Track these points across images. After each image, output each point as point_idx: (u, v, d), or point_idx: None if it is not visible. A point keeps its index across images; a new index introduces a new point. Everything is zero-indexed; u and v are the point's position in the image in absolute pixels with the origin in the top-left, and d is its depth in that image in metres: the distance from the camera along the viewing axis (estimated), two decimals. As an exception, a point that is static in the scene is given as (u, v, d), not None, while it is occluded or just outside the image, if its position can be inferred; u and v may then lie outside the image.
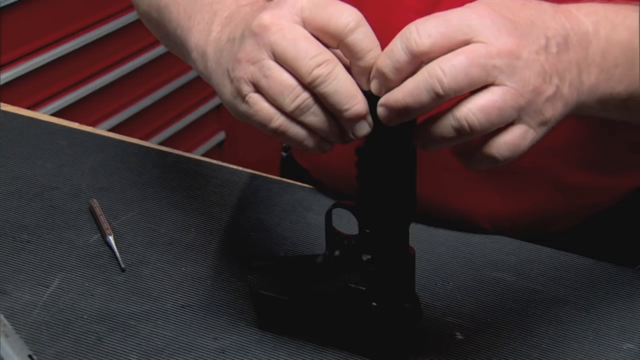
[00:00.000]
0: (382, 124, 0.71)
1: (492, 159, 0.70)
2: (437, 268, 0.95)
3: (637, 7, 0.81)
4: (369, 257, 0.79)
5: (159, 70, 2.25)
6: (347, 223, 0.80)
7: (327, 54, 0.70)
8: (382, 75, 0.68)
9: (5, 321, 0.84)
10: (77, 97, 2.03)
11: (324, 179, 1.12)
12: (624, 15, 0.79)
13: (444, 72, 0.66)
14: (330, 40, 0.70)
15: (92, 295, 0.91)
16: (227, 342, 0.86)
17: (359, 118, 0.70)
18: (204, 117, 2.42)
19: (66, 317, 0.88)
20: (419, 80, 0.67)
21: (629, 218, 1.10)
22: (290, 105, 0.70)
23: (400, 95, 0.68)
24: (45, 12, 1.92)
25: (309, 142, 0.72)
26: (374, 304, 0.80)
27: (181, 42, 0.86)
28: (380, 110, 0.70)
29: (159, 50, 2.21)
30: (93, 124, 2.04)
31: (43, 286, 0.92)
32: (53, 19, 1.94)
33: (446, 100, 0.68)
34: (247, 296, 0.90)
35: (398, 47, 0.67)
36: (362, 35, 0.69)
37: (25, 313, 0.88)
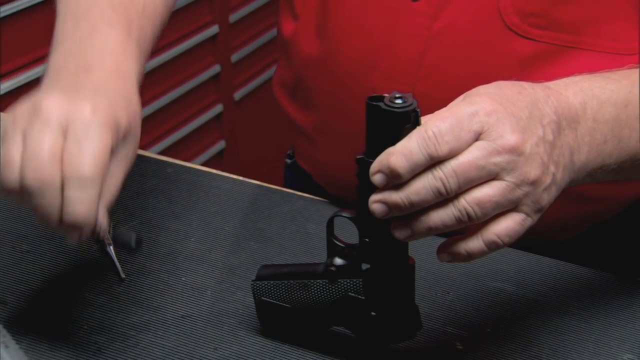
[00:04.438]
0: (382, 133, 0.71)
1: (494, 243, 0.73)
2: (437, 278, 0.95)
3: (621, 77, 0.83)
4: (369, 266, 0.79)
5: (159, 79, 2.24)
6: (347, 232, 0.80)
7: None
8: (394, 173, 0.70)
9: (5, 331, 0.83)
10: (77, 107, 2.02)
11: (326, 184, 1.13)
12: (610, 90, 0.81)
13: (446, 175, 0.70)
14: None
15: (92, 306, 0.91)
16: (227, 352, 0.86)
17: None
18: (204, 126, 2.42)
19: (66, 327, 0.88)
20: (426, 181, 0.70)
21: (629, 229, 1.10)
22: None
23: (404, 194, 0.70)
24: (46, 22, 1.91)
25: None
26: (373, 313, 0.80)
27: None
28: (377, 206, 0.72)
29: (159, 59, 2.21)
30: (93, 133, 2.03)
31: (43, 296, 0.92)
32: (53, 29, 1.93)
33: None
34: (247, 306, 0.90)
35: (418, 151, 0.69)
36: None
37: (25, 323, 0.88)
